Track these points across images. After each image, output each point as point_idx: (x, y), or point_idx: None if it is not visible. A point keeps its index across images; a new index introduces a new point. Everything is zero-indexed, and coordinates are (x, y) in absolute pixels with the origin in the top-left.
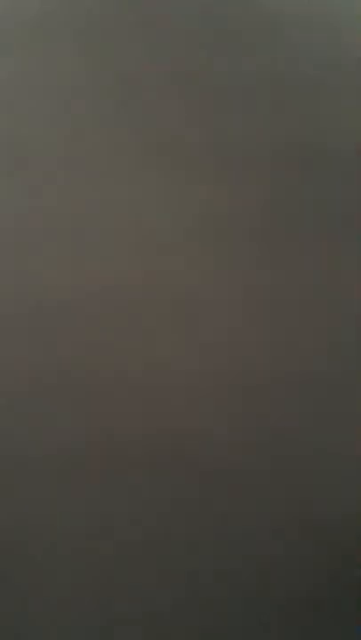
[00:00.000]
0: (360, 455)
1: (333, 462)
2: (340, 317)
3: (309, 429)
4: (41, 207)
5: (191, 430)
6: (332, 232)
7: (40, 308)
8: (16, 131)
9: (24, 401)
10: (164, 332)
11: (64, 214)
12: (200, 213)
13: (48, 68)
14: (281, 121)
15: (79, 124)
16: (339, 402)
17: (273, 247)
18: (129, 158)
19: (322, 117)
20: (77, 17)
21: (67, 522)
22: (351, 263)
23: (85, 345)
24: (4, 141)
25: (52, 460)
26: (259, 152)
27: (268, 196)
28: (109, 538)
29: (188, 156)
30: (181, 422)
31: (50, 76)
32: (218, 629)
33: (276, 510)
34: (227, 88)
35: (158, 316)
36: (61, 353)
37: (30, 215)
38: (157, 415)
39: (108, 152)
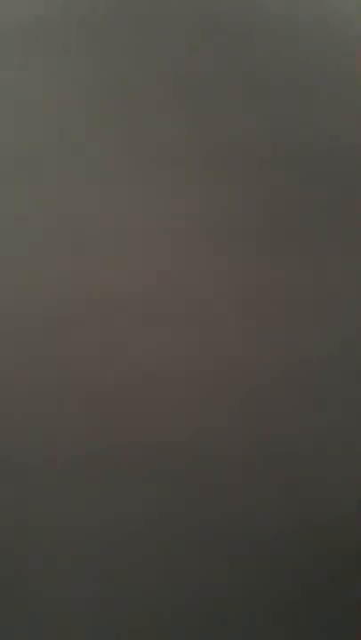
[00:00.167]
0: (360, 455)
1: (333, 462)
2: (341, 317)
3: (310, 429)
4: (41, 208)
5: (191, 430)
6: (333, 232)
7: (40, 308)
8: (16, 134)
9: (24, 401)
10: (164, 332)
11: (64, 214)
12: (200, 213)
13: (48, 71)
14: (281, 121)
15: (79, 124)
16: (339, 401)
17: (273, 247)
18: (129, 158)
19: (322, 118)
20: (77, 22)
21: (66, 522)
22: (352, 263)
23: (85, 345)
24: (5, 144)
25: (52, 462)
26: (259, 152)
27: (269, 196)
28: (109, 538)
29: (187, 156)
30: (181, 422)
31: (49, 78)
32: (218, 630)
33: (276, 510)
34: (225, 88)
35: (158, 316)
36: (61, 353)
37: (30, 216)
38: (157, 415)
39: (107, 152)
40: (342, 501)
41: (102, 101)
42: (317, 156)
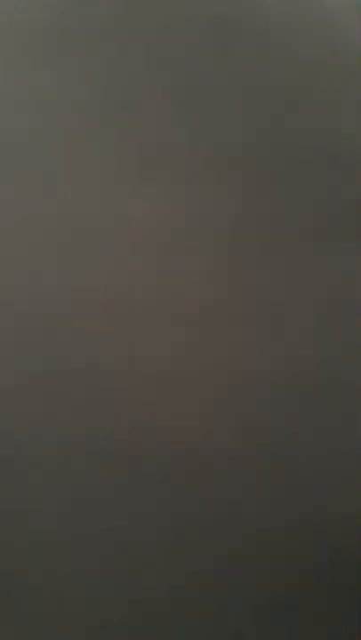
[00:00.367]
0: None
1: (334, 462)
2: (340, 317)
3: (310, 429)
4: (41, 209)
5: (191, 430)
6: (333, 232)
7: (40, 308)
8: (16, 141)
9: (23, 400)
10: (163, 332)
11: (64, 214)
12: (200, 214)
13: (48, 79)
14: (280, 123)
15: (79, 124)
16: (339, 401)
17: (273, 247)
18: (128, 158)
19: (322, 119)
20: (77, 22)
21: (66, 522)
22: (352, 263)
23: (85, 345)
24: (4, 144)
25: (52, 460)
26: (259, 153)
27: (268, 196)
28: (108, 537)
29: (187, 156)
30: (181, 422)
31: (49, 77)
32: (217, 630)
33: (276, 510)
34: (224, 91)
35: (158, 316)
36: (61, 353)
37: (30, 216)
38: (157, 415)
39: (107, 152)
40: (342, 501)
41: (102, 101)
42: (318, 156)
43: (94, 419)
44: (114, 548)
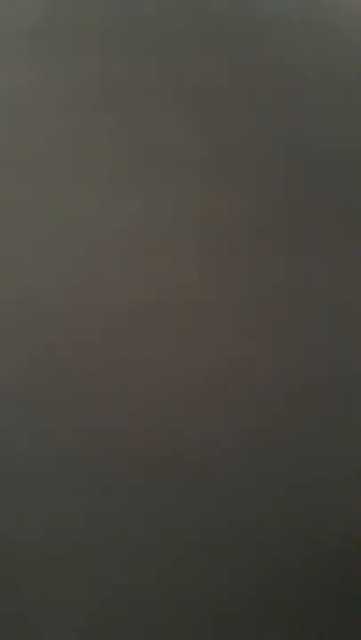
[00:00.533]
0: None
1: (334, 463)
2: (342, 318)
3: (310, 429)
4: (41, 209)
5: (191, 430)
6: (334, 232)
7: (40, 308)
8: (16, 141)
9: (23, 401)
10: (163, 333)
11: (63, 214)
12: (200, 213)
13: (48, 78)
14: (281, 123)
15: (79, 124)
16: (339, 401)
17: (274, 248)
18: (128, 158)
19: (322, 118)
20: (77, 22)
21: (66, 522)
22: (352, 263)
23: (85, 346)
24: (4, 144)
25: (52, 462)
26: (259, 153)
27: (269, 196)
28: (108, 538)
29: (187, 155)
30: (181, 422)
31: (49, 85)
32: (217, 631)
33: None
34: (225, 89)
35: (158, 316)
36: (61, 354)
37: (30, 215)
38: (157, 416)
39: (107, 152)
40: (343, 501)
41: (102, 101)
42: (318, 156)
43: (94, 420)
44: (113, 550)
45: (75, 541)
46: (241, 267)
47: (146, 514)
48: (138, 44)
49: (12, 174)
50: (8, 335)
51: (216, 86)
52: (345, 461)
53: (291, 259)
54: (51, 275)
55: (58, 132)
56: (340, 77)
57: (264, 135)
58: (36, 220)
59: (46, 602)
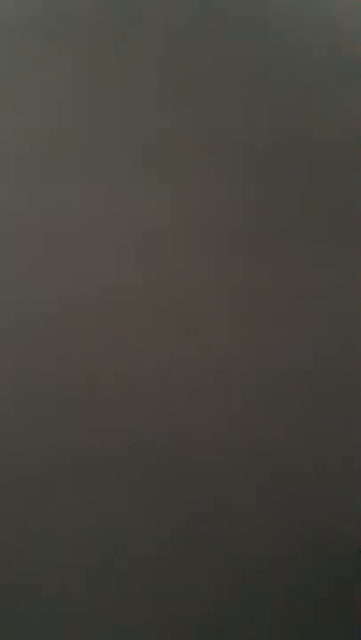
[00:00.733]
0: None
1: (334, 463)
2: (341, 318)
3: (310, 430)
4: (41, 208)
5: (191, 431)
6: (333, 232)
7: (39, 308)
8: (15, 134)
9: (23, 402)
10: (163, 333)
11: (63, 214)
12: (200, 213)
13: (46, 71)
14: (281, 122)
15: (78, 124)
16: (339, 401)
17: (274, 247)
18: (128, 158)
19: (323, 118)
20: (75, 20)
21: (65, 524)
22: (351, 262)
23: (85, 346)
24: (4, 144)
25: (51, 462)
26: (258, 152)
27: (269, 196)
28: (108, 539)
29: (186, 155)
30: (181, 423)
31: (48, 78)
32: (218, 632)
33: (276, 513)
34: (224, 86)
35: (158, 316)
36: (61, 354)
37: (30, 215)
38: (157, 416)
39: (106, 151)
40: (343, 501)
41: (101, 101)
42: (320, 156)
43: (94, 420)
44: (113, 551)
45: (75, 541)
46: (241, 266)
47: (146, 514)
48: (138, 42)
49: (13, 173)
50: (8, 335)
51: (216, 86)
52: (345, 461)
53: (291, 258)
54: (51, 275)
55: (57, 130)
56: (341, 76)
57: (264, 135)
58: (36, 219)
59: (46, 601)
